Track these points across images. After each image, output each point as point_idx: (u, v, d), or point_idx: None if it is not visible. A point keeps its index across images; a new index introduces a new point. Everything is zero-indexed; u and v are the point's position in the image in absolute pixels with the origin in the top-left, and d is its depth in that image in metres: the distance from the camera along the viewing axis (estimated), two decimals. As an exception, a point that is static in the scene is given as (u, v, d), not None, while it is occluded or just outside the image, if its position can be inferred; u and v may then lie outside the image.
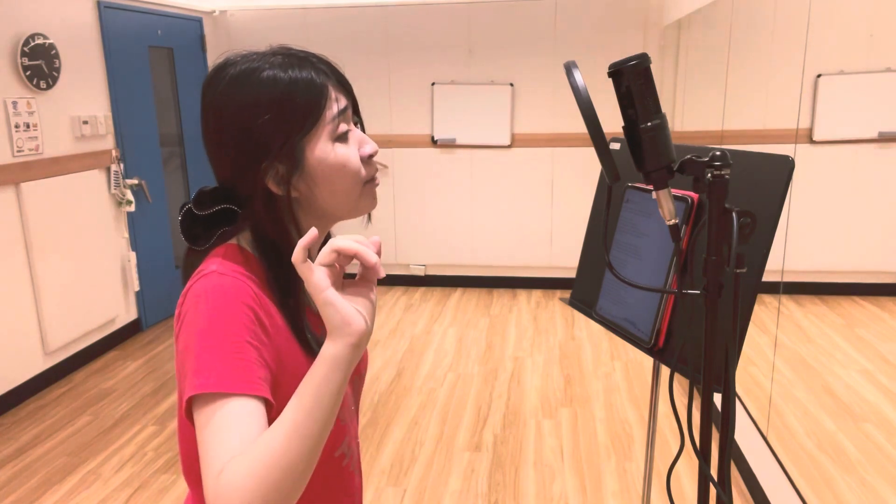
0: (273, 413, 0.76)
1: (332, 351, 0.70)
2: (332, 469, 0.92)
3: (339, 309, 0.70)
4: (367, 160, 0.90)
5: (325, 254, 0.71)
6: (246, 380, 0.74)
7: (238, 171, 0.86)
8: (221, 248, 0.86)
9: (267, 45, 0.89)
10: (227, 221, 0.89)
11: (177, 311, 0.82)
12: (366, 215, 0.95)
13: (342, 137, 0.87)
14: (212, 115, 0.86)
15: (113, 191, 4.10)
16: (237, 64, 0.85)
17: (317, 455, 0.70)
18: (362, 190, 0.90)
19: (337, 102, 0.86)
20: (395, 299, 5.04)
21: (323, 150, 0.85)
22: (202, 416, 0.73)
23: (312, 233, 0.70)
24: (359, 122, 0.92)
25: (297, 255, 0.69)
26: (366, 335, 0.72)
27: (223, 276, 0.80)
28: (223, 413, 0.72)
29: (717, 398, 2.70)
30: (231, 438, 0.70)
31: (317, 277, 0.70)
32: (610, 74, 0.95)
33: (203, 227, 0.88)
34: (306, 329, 0.87)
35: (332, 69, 0.88)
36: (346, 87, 0.89)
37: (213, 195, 0.87)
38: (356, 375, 0.99)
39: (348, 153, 0.87)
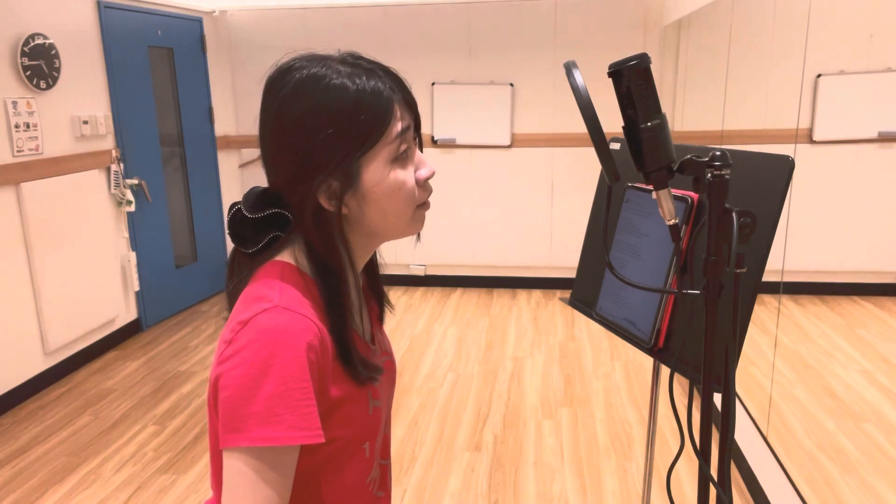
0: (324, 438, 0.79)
1: None
2: (364, 499, 0.92)
3: None
4: (423, 183, 0.88)
5: None
6: (309, 428, 0.76)
7: (292, 180, 0.83)
8: (277, 267, 0.84)
9: (335, 49, 0.87)
10: (277, 226, 0.87)
11: (228, 335, 0.78)
12: (416, 235, 0.93)
13: (400, 158, 0.84)
14: (272, 120, 0.83)
15: (113, 191, 4.10)
16: (303, 68, 0.82)
17: None
18: (413, 214, 0.87)
19: (401, 121, 0.83)
20: (395, 299, 5.04)
21: (380, 171, 0.83)
22: (241, 465, 0.74)
23: None
24: (418, 138, 0.89)
25: None
26: None
27: (287, 314, 0.77)
28: (265, 466, 0.75)
29: (717, 398, 2.70)
30: (271, 494, 0.75)
31: None
32: (610, 74, 0.95)
33: (253, 230, 0.86)
34: (354, 354, 0.85)
35: (399, 84, 0.85)
36: (410, 105, 0.86)
37: (263, 197, 0.85)
38: (389, 389, 0.98)
39: (405, 177, 0.85)
